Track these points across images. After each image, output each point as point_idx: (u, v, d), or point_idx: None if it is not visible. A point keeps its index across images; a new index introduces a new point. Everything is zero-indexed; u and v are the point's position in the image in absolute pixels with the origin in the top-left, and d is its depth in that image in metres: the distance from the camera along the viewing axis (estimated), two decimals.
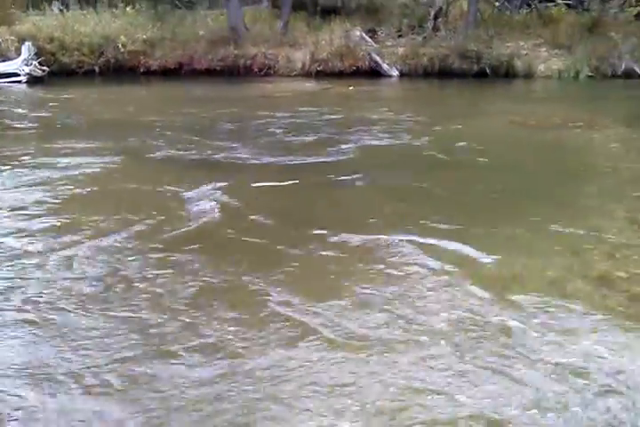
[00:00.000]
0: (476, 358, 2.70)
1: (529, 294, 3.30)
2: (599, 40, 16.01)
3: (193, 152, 6.73)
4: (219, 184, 5.33)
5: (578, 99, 12.50)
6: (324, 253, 3.87)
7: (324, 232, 4.22)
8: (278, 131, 7.99)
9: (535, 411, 2.35)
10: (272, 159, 6.42)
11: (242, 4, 16.44)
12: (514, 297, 3.27)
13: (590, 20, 16.96)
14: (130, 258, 3.74)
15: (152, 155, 6.58)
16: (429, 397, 2.44)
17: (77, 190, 5.19)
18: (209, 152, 6.71)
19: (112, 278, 3.45)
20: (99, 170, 5.86)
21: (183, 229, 4.25)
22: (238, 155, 6.60)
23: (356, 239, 4.08)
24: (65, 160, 6.19)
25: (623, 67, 15.55)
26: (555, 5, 18.24)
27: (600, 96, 12.90)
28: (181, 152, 6.73)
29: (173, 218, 4.50)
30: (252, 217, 4.55)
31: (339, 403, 2.39)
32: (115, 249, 3.88)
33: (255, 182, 5.51)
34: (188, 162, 6.33)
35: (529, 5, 18.64)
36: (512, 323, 2.99)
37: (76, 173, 5.73)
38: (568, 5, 18.10)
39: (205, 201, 4.89)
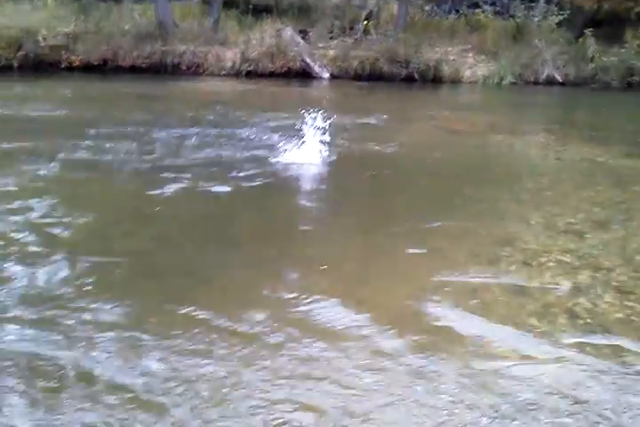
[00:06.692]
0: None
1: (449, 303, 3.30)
2: (523, 47, 16.55)
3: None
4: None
5: (501, 105, 12.86)
6: None
7: None
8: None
9: None
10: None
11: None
12: (436, 303, 3.30)
13: (515, 27, 17.50)
14: None
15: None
16: None
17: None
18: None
19: None
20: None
21: None
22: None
23: None
24: None
25: (545, 74, 16.13)
26: (482, 12, 18.72)
27: (522, 102, 13.32)
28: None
29: None
30: None
31: None
32: None
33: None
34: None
35: (457, 11, 19.06)
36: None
37: None
38: (495, 12, 18.60)
39: None
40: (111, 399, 2.40)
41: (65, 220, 4.36)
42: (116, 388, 2.47)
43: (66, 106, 9.34)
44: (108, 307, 3.12)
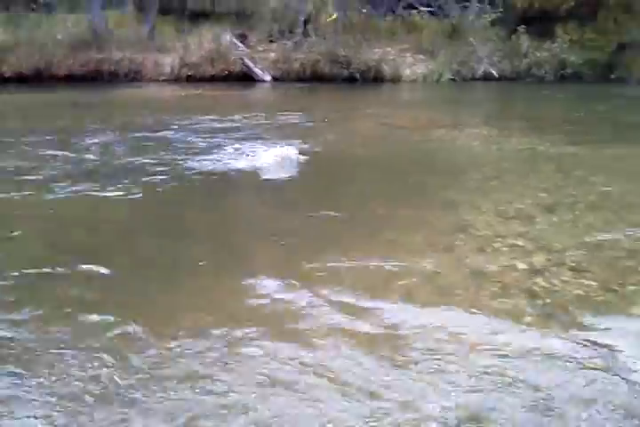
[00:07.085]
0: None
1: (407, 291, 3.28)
2: (459, 46, 16.91)
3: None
4: None
5: (441, 101, 13.07)
6: None
7: None
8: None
9: None
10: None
11: (104, 8, 15.70)
12: (394, 290, 3.28)
13: (450, 26, 17.85)
14: None
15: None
16: None
17: None
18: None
19: None
20: None
21: None
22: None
23: None
24: None
25: (481, 70, 16.52)
26: (418, 12, 19.02)
27: (461, 98, 13.60)
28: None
29: None
30: None
31: None
32: None
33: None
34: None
35: (393, 12, 19.29)
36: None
37: None
38: (430, 13, 18.92)
39: None
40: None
41: None
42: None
43: None
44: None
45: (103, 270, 3.49)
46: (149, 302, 3.16)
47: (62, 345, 2.70)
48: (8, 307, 3.06)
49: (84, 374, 2.49)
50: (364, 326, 2.91)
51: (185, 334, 2.80)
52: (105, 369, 2.52)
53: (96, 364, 2.56)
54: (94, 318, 2.94)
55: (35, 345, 2.71)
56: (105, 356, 2.61)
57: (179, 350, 2.68)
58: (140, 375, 2.48)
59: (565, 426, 2.22)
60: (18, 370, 2.51)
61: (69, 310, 3.03)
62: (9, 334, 2.79)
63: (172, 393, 2.37)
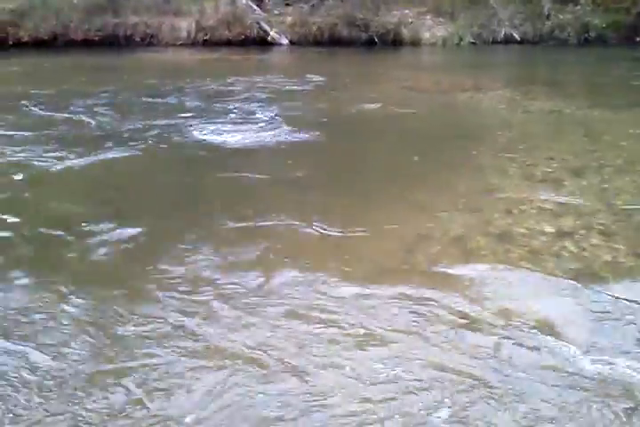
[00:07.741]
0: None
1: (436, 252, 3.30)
2: (479, 8, 16.51)
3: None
4: None
5: (463, 65, 12.81)
6: None
7: None
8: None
9: None
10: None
11: None
12: (423, 253, 3.28)
13: None
14: None
15: None
16: None
17: None
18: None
19: None
20: None
21: None
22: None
23: None
24: None
25: (502, 33, 16.15)
26: None
27: (483, 62, 13.31)
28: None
29: None
30: None
31: None
32: None
33: None
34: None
35: None
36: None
37: None
38: None
39: None
40: None
41: None
42: None
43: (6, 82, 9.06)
44: None
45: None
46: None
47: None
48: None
49: None
50: (390, 289, 2.93)
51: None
52: None
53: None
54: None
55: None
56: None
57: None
58: None
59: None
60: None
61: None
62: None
63: None
